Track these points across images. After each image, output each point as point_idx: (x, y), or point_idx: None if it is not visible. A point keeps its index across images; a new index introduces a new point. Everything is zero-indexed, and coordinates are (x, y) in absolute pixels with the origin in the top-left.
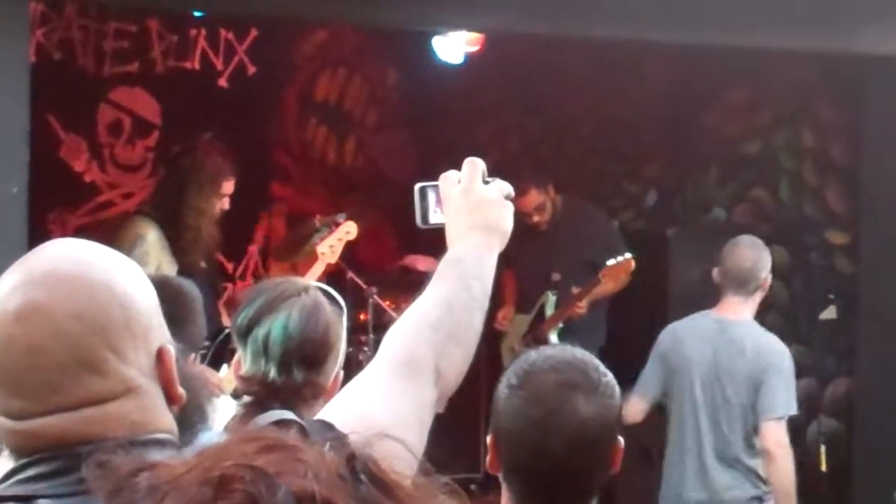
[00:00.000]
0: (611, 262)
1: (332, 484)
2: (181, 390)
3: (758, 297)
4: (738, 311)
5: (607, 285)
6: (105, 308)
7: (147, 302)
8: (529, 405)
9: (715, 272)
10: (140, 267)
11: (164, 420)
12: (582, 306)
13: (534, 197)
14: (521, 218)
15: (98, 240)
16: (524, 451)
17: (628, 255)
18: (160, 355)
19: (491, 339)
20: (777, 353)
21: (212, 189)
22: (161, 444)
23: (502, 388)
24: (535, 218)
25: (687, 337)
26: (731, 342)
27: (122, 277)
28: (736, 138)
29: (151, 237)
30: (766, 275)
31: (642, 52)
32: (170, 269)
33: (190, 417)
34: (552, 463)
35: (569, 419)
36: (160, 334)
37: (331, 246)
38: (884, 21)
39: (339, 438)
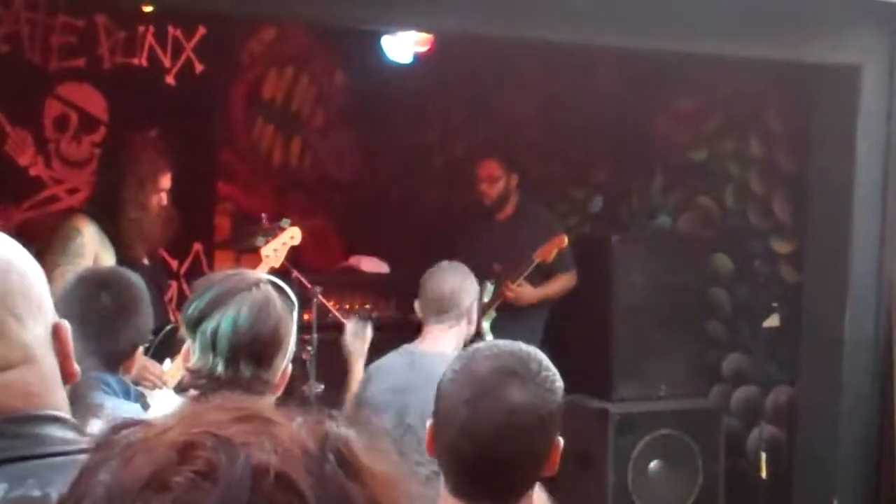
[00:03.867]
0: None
1: (293, 460)
2: (77, 366)
3: (464, 328)
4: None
5: (551, 287)
6: (5, 275)
7: (41, 280)
8: (463, 387)
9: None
10: (77, 258)
11: (59, 396)
12: (513, 289)
13: (493, 167)
14: (475, 200)
15: (37, 233)
16: (453, 432)
17: (561, 235)
18: (56, 330)
19: None
20: None
21: (150, 184)
22: (58, 420)
23: (446, 373)
24: (483, 186)
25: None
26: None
27: (18, 253)
28: (683, 145)
29: (88, 231)
30: (469, 302)
31: (591, 57)
32: (109, 262)
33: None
34: (477, 445)
35: (499, 404)
36: (53, 312)
37: (275, 250)
38: (833, 30)
39: (321, 417)
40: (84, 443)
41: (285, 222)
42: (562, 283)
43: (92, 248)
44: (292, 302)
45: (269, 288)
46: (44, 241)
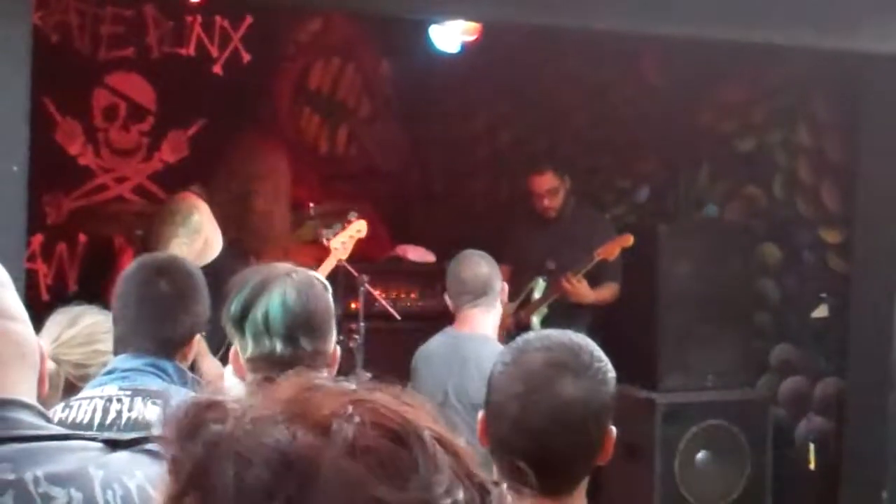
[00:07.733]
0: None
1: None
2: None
3: (498, 309)
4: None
5: (604, 293)
6: None
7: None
8: (515, 381)
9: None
10: (194, 234)
11: (27, 387)
12: (572, 283)
13: (550, 179)
14: (530, 206)
15: (86, 221)
16: (504, 426)
17: (627, 234)
18: None
19: None
20: None
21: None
22: (26, 406)
23: (496, 365)
24: (546, 202)
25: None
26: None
27: None
28: (730, 135)
29: (204, 211)
30: (500, 285)
31: (638, 46)
32: (217, 244)
33: None
34: (531, 439)
35: (552, 397)
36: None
37: (342, 242)
38: (882, 19)
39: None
40: (53, 429)
41: (352, 215)
42: (611, 291)
43: (206, 227)
44: (326, 286)
45: (307, 272)
46: (157, 214)
